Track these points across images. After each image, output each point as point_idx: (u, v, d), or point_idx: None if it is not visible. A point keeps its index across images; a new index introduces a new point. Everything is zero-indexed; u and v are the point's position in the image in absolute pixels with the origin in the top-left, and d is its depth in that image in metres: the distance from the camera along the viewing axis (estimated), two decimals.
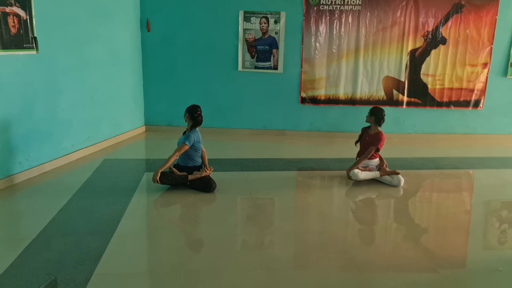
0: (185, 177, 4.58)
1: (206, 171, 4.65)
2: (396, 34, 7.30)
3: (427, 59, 7.41)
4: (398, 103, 7.55)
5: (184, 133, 4.76)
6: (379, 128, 5.10)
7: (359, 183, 5.04)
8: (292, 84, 7.46)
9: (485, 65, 7.44)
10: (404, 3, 7.17)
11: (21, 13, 4.61)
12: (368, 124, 5.20)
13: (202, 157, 4.79)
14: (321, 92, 7.49)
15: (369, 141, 5.09)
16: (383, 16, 7.22)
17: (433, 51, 7.38)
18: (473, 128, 7.73)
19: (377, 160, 5.14)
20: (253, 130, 7.64)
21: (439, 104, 7.57)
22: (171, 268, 3.07)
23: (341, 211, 4.57)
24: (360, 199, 4.77)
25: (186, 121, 4.70)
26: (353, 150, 5.35)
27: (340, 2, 7.15)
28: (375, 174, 5.08)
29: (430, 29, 7.29)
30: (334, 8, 7.18)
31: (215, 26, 7.28)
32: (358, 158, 5.17)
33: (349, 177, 5.04)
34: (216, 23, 7.27)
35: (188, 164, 4.66)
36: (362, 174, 5.01)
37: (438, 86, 7.51)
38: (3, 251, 3.26)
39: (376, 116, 5.07)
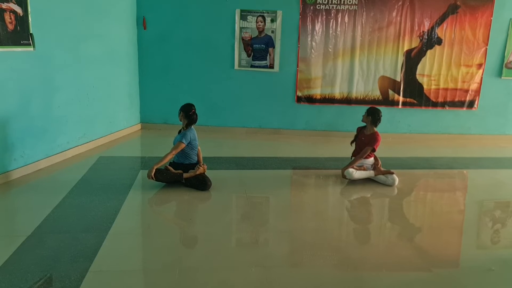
0: (180, 175, 4.58)
1: (200, 169, 4.65)
2: (392, 34, 7.32)
3: (423, 59, 7.44)
4: (394, 103, 7.58)
5: (180, 131, 4.76)
6: (375, 128, 5.12)
7: (354, 182, 5.06)
8: (288, 83, 7.47)
9: (480, 65, 7.48)
10: (400, 3, 7.20)
11: (18, 9, 4.59)
12: (364, 124, 5.22)
13: (197, 155, 4.79)
14: (317, 91, 7.51)
15: (364, 141, 5.11)
16: (379, 16, 7.24)
17: (428, 52, 7.42)
18: (467, 128, 7.77)
19: (372, 159, 5.17)
20: (248, 129, 7.65)
21: (434, 104, 7.61)
22: (166, 265, 3.08)
23: (336, 210, 4.59)
24: (355, 198, 4.79)
25: (180, 120, 4.71)
26: (348, 149, 5.37)
27: (337, 1, 7.17)
28: (369, 173, 5.10)
29: (426, 30, 7.33)
30: (331, 8, 7.20)
31: (211, 24, 7.28)
32: (353, 158, 5.19)
33: (344, 176, 5.06)
34: (213, 21, 7.27)
35: (184, 162, 4.67)
36: (357, 174, 5.04)
37: (433, 86, 7.55)
38: None
39: (373, 116, 5.08)
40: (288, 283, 2.93)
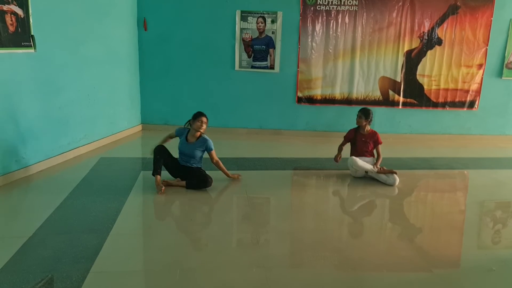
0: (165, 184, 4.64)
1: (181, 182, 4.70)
2: (392, 34, 7.33)
3: (423, 59, 7.45)
4: (394, 104, 7.59)
5: (187, 138, 4.77)
6: (369, 126, 5.28)
7: (354, 182, 5.08)
8: (289, 84, 7.48)
9: (480, 66, 7.48)
10: (400, 4, 7.21)
11: (19, 11, 4.61)
12: (354, 126, 5.36)
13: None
14: (317, 92, 7.52)
15: (366, 141, 5.21)
16: (379, 17, 7.25)
17: (429, 52, 7.42)
18: (467, 128, 7.77)
19: (372, 158, 5.25)
20: (249, 129, 7.65)
21: (435, 105, 7.62)
22: (167, 266, 3.08)
23: (336, 210, 4.59)
24: (356, 199, 4.80)
25: (200, 128, 4.69)
26: (348, 150, 5.38)
27: (337, 2, 7.18)
28: (370, 167, 5.11)
29: (426, 30, 7.33)
30: (331, 8, 7.21)
31: (212, 25, 7.29)
32: (373, 158, 5.29)
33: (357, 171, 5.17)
34: (213, 22, 7.29)
35: (193, 165, 4.71)
36: (360, 162, 5.08)
37: (433, 87, 7.56)
38: None
39: (370, 117, 5.25)
40: (289, 284, 2.94)
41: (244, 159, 5.98)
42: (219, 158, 4.90)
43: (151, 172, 4.60)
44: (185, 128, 4.84)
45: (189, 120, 4.80)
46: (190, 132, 4.75)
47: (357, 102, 7.49)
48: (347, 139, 5.41)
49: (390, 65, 7.46)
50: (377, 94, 7.54)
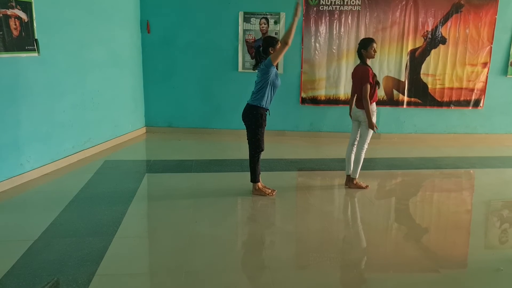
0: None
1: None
2: (396, 34, 7.31)
3: (427, 59, 7.42)
4: (399, 103, 7.56)
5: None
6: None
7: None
8: (292, 85, 7.47)
9: (485, 64, 7.44)
10: (403, 3, 7.19)
11: (22, 15, 4.62)
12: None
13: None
14: (321, 93, 7.51)
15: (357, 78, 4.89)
16: (383, 16, 7.23)
17: (433, 51, 7.39)
18: (473, 127, 7.73)
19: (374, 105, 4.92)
20: None
21: (439, 104, 7.58)
22: (172, 268, 3.08)
23: (341, 211, 4.57)
24: (360, 199, 4.77)
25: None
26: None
27: (340, 2, 7.17)
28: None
29: (430, 29, 7.31)
30: (334, 9, 7.20)
31: (215, 27, 7.30)
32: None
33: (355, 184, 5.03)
34: (216, 24, 7.29)
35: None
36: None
37: (438, 86, 7.52)
38: (5, 252, 3.26)
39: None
40: (294, 285, 2.92)
41: (248, 161, 5.95)
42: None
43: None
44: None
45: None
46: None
47: None
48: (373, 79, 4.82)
49: (394, 64, 7.44)
50: (381, 94, 7.51)
